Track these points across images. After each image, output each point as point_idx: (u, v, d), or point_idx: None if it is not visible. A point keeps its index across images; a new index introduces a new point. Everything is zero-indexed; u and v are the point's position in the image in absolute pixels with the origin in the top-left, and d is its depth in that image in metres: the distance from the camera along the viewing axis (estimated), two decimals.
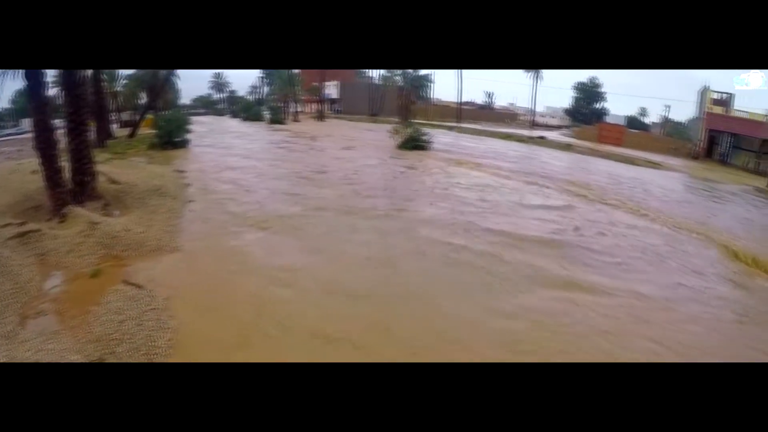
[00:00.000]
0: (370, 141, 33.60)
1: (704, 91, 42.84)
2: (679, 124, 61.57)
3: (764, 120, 28.27)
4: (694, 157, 41.69)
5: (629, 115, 75.29)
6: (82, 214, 11.20)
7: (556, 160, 31.14)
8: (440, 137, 37.12)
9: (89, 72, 23.88)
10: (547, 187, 20.07)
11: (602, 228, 14.10)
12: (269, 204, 14.44)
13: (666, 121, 64.57)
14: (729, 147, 40.91)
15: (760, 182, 29.26)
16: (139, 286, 8.06)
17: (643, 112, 76.99)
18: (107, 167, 16.95)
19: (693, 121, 48.93)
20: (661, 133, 59.31)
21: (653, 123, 71.32)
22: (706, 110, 42.23)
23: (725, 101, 42.47)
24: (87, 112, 14.24)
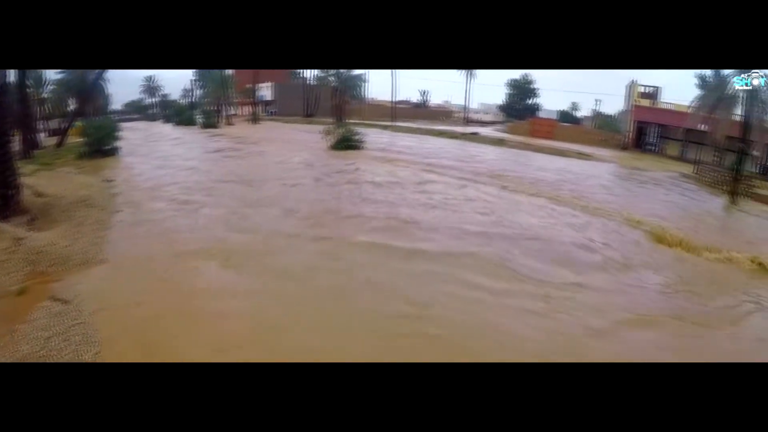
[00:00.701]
0: (309, 143, 33.27)
1: (632, 85, 44.41)
2: (609, 116, 63.56)
3: (687, 111, 29.43)
4: (623, 147, 43.26)
5: (562, 109, 77.39)
6: (6, 229, 10.80)
7: (499, 158, 31.54)
8: (377, 137, 37.31)
9: (12, 78, 23.02)
10: (523, 192, 19.48)
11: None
12: (203, 219, 13.94)
13: (597, 115, 66.53)
14: (656, 137, 42.81)
15: (685, 168, 30.70)
16: (65, 302, 7.84)
17: (575, 106, 79.16)
18: (33, 179, 16.40)
19: (622, 113, 50.73)
20: (593, 126, 61.10)
21: (585, 117, 73.48)
22: (634, 103, 43.85)
23: (652, 94, 44.41)
24: (10, 121, 13.77)
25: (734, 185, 23.92)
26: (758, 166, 31.00)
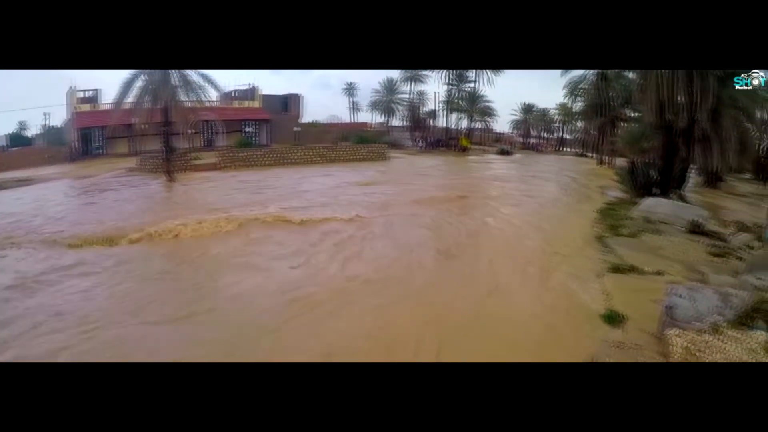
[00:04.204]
0: None
1: (71, 92, 42.66)
2: (59, 129, 59.74)
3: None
4: (72, 159, 39.71)
5: (11, 132, 68.85)
6: None
7: None
8: None
9: None
10: None
11: None
12: None
13: (49, 130, 61.81)
14: (103, 140, 41.95)
15: (132, 162, 31.00)
16: None
17: (24, 125, 71.63)
18: None
19: (68, 123, 48.35)
20: (46, 143, 56.42)
21: (37, 135, 67.40)
22: (75, 110, 42.27)
23: (93, 98, 43.53)
24: None
25: (168, 165, 25.37)
26: (203, 140, 33.84)
